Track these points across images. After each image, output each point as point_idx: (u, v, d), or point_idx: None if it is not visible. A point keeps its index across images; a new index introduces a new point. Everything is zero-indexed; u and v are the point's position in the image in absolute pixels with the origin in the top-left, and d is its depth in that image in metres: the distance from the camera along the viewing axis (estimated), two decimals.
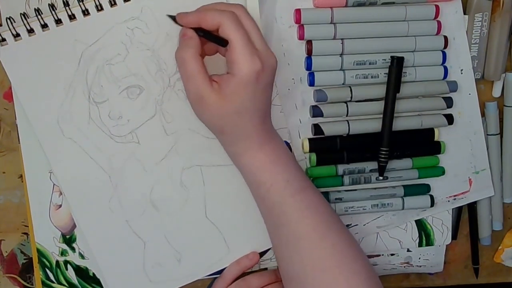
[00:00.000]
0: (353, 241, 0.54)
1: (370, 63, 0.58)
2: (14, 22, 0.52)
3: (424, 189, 0.63)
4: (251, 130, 0.51)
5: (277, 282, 0.61)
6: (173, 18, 0.50)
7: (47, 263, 0.58)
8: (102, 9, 0.53)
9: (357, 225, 0.63)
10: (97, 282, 0.59)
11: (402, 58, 0.58)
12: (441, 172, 0.63)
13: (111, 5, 0.53)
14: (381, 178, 0.60)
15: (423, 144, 0.62)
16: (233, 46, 0.48)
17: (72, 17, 0.53)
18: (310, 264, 0.51)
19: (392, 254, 0.66)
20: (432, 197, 0.62)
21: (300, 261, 0.52)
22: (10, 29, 0.52)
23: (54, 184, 0.57)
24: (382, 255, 0.66)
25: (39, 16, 0.52)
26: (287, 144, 0.56)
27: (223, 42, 0.49)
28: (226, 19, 0.48)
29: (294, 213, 0.52)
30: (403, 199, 0.62)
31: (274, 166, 0.52)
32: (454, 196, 0.64)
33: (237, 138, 0.51)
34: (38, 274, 0.59)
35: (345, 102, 0.59)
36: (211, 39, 0.50)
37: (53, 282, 0.59)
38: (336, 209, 0.60)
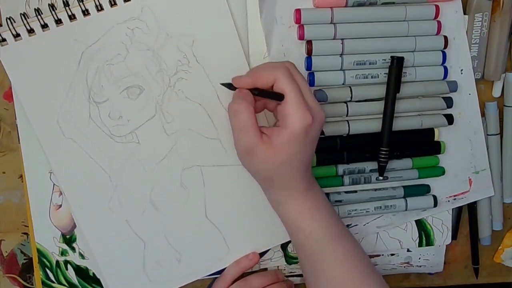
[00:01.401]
0: (383, 284, 0.55)
1: (370, 63, 0.58)
2: (14, 22, 0.52)
3: (424, 190, 0.63)
4: (296, 179, 0.52)
5: (277, 282, 0.61)
6: (227, 85, 0.51)
7: (47, 263, 0.58)
8: (102, 9, 0.53)
9: (357, 225, 0.63)
10: (97, 282, 0.59)
11: (402, 58, 0.58)
12: (441, 172, 0.63)
13: (111, 5, 0.54)
14: (381, 178, 0.60)
15: (423, 144, 0.62)
16: (288, 100, 0.49)
17: (72, 17, 0.53)
18: None
19: (392, 254, 0.66)
20: (435, 198, 0.62)
21: None
22: (10, 29, 0.52)
23: (54, 184, 0.57)
24: (382, 255, 0.66)
25: (39, 16, 0.52)
26: None
27: (279, 97, 0.50)
28: (281, 74, 0.49)
29: (332, 260, 0.53)
30: (406, 200, 0.62)
31: (314, 213, 0.53)
32: (454, 196, 0.64)
33: (280, 186, 0.53)
34: (38, 274, 0.59)
35: (345, 102, 0.59)
36: (266, 95, 0.51)
37: (53, 282, 0.59)
38: (340, 212, 0.60)
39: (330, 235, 0.53)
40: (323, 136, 0.59)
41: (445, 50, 0.60)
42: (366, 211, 0.61)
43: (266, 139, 0.50)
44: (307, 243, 0.54)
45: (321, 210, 0.54)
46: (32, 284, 0.60)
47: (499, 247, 0.69)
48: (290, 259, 0.63)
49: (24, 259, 0.60)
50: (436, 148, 0.62)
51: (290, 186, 0.53)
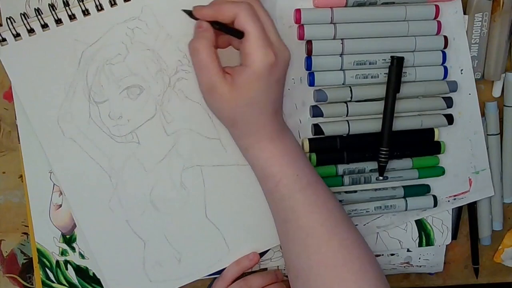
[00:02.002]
0: (361, 239, 0.53)
1: (370, 63, 0.58)
2: (14, 22, 0.52)
3: (424, 190, 0.63)
4: (262, 122, 0.51)
5: (277, 282, 0.61)
6: (188, 12, 0.50)
7: (47, 263, 0.58)
8: (102, 9, 0.53)
9: (357, 225, 0.63)
10: (97, 282, 0.59)
11: (402, 58, 0.58)
12: (441, 172, 0.63)
13: (111, 5, 0.53)
14: (381, 178, 0.60)
15: (423, 144, 0.62)
16: (249, 38, 0.48)
17: (72, 17, 0.53)
18: (317, 260, 0.51)
19: (392, 254, 0.66)
20: (435, 198, 0.62)
21: (307, 257, 0.52)
22: (10, 29, 0.52)
23: (54, 184, 0.57)
24: (382, 255, 0.66)
25: (39, 16, 0.52)
26: None
27: (239, 34, 0.49)
28: (243, 10, 0.48)
29: (303, 208, 0.51)
30: (406, 200, 0.62)
31: (284, 159, 0.52)
32: (454, 196, 0.64)
33: (248, 130, 0.51)
34: (38, 274, 0.59)
35: (345, 102, 0.59)
36: (226, 31, 0.50)
37: (53, 282, 0.59)
38: None
39: (300, 182, 0.52)
40: (323, 136, 0.59)
41: (445, 50, 0.60)
42: (366, 211, 0.61)
43: (229, 78, 0.49)
44: (276, 190, 0.52)
45: (292, 156, 0.52)
46: (32, 284, 0.60)
47: (499, 247, 0.69)
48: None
49: (24, 259, 0.60)
50: (436, 148, 0.62)
51: (257, 130, 0.51)
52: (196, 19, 0.50)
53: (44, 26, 0.53)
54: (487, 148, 0.65)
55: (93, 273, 0.59)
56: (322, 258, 0.51)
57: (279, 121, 0.53)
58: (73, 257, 0.59)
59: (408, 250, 0.66)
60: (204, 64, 0.49)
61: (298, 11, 0.56)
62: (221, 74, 0.49)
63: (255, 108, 0.50)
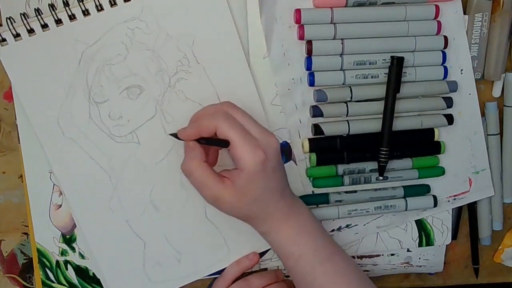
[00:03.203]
0: None
1: (370, 63, 0.58)
2: (14, 22, 0.52)
3: (424, 190, 0.63)
4: (271, 210, 0.52)
5: (278, 282, 0.61)
6: (174, 135, 0.52)
7: (47, 263, 0.58)
8: (102, 9, 0.53)
9: (357, 225, 0.63)
10: (97, 282, 0.59)
11: (402, 58, 0.58)
12: (441, 172, 0.63)
13: (111, 5, 0.53)
14: (381, 178, 0.60)
15: (423, 144, 0.62)
16: (234, 145, 0.49)
17: (72, 17, 0.53)
18: None
19: (392, 254, 0.66)
20: (435, 198, 0.62)
21: None
22: (10, 29, 0.52)
23: (54, 184, 0.57)
24: (382, 255, 0.66)
25: (39, 16, 0.52)
26: (287, 144, 0.56)
27: (224, 143, 0.50)
28: (220, 121, 0.50)
29: (324, 282, 0.53)
30: (406, 200, 0.62)
31: (300, 237, 0.53)
32: (454, 196, 0.64)
33: (261, 220, 0.53)
34: (38, 274, 0.59)
35: (345, 102, 0.59)
36: (213, 143, 0.52)
37: (53, 282, 0.59)
38: (340, 212, 0.60)
39: (319, 256, 0.53)
40: (323, 136, 0.59)
41: (445, 50, 0.60)
42: (366, 211, 0.61)
43: (229, 183, 0.50)
44: (297, 266, 0.53)
45: (307, 232, 0.54)
46: (32, 284, 0.60)
47: (499, 247, 0.69)
48: None
49: (24, 259, 0.60)
50: (436, 148, 0.62)
51: (269, 218, 0.53)
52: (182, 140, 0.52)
53: (44, 26, 0.53)
54: (487, 148, 0.65)
55: (93, 273, 0.59)
56: None
57: (288, 201, 0.54)
58: (73, 257, 0.59)
59: (408, 250, 0.66)
60: (201, 182, 0.51)
61: (298, 11, 0.56)
62: (220, 184, 0.50)
63: (261, 202, 0.51)
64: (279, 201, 0.52)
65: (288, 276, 0.64)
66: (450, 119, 0.61)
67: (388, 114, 0.58)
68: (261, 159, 0.49)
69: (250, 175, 0.50)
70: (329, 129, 0.59)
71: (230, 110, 0.51)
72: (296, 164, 0.60)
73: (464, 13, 0.61)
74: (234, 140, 0.49)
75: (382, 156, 0.59)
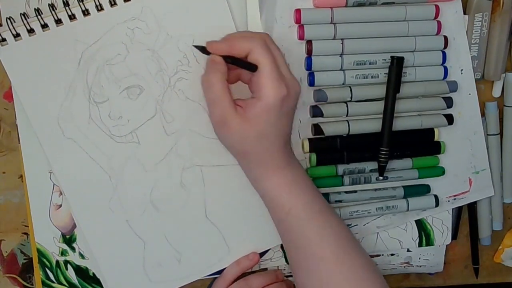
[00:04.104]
0: (371, 262, 0.54)
1: (370, 63, 0.58)
2: (14, 22, 0.52)
3: (424, 190, 0.63)
4: (271, 153, 0.51)
5: (277, 282, 0.61)
6: (200, 48, 0.51)
7: (47, 263, 0.58)
8: (102, 9, 0.53)
9: (357, 225, 0.63)
10: (97, 282, 0.59)
11: (402, 58, 0.58)
12: (441, 172, 0.63)
13: (111, 5, 0.54)
14: (381, 178, 0.60)
15: (423, 144, 0.62)
16: (262, 71, 0.49)
17: (72, 17, 0.53)
18: (329, 287, 0.52)
19: (392, 254, 0.66)
20: (436, 197, 0.62)
21: (318, 284, 0.52)
22: (10, 29, 0.52)
23: (54, 184, 0.57)
24: (382, 255, 0.66)
25: (39, 16, 0.52)
26: None
27: (252, 67, 0.49)
28: (256, 44, 0.49)
29: (313, 235, 0.52)
30: (407, 200, 0.62)
31: (293, 189, 0.53)
32: (454, 196, 0.64)
33: (257, 161, 0.52)
34: (38, 274, 0.59)
35: (345, 102, 0.59)
36: (240, 65, 0.51)
37: (53, 282, 0.59)
38: (341, 214, 0.60)
39: (310, 211, 0.52)
40: (323, 136, 0.59)
41: (445, 50, 0.60)
42: (368, 212, 0.61)
43: (241, 111, 0.49)
44: (287, 219, 0.53)
45: (301, 185, 0.53)
46: (32, 284, 0.60)
47: (499, 247, 0.69)
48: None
49: (24, 259, 0.60)
50: (436, 148, 0.62)
51: (267, 161, 0.52)
52: (208, 53, 0.51)
53: (44, 26, 0.53)
54: (487, 148, 0.65)
55: (93, 273, 0.59)
56: (333, 285, 0.52)
57: (288, 151, 0.54)
58: (73, 257, 0.59)
59: (408, 250, 0.66)
60: (218, 97, 0.49)
61: (298, 11, 0.56)
62: (233, 107, 0.49)
63: (265, 140, 0.50)
64: (281, 148, 0.52)
65: (288, 276, 0.64)
66: (450, 119, 0.61)
67: (388, 114, 0.58)
68: (282, 95, 0.49)
69: (267, 107, 0.49)
70: (329, 129, 0.59)
71: (268, 40, 0.50)
72: None
73: (464, 13, 0.61)
74: (264, 67, 0.48)
75: (382, 156, 0.59)
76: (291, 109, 0.51)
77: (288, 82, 0.50)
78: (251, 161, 0.52)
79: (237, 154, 0.53)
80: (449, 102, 0.61)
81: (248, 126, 0.49)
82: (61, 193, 0.57)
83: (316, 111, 0.58)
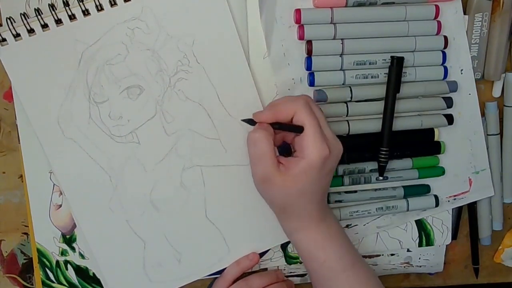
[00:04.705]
0: None
1: (370, 63, 0.58)
2: (14, 22, 0.52)
3: (424, 190, 0.63)
4: (310, 209, 0.53)
5: (278, 282, 0.61)
6: (247, 121, 0.52)
7: (47, 263, 0.58)
8: (102, 9, 0.53)
9: (357, 225, 0.63)
10: (97, 282, 0.59)
11: (402, 58, 0.58)
12: (441, 172, 0.63)
13: (111, 5, 0.53)
14: (381, 178, 0.60)
15: (423, 144, 0.62)
16: (307, 132, 0.50)
17: (72, 17, 0.53)
18: None
19: (392, 254, 0.66)
20: (436, 197, 0.62)
21: None
22: (10, 29, 0.52)
23: (54, 184, 0.57)
24: (382, 255, 0.66)
25: (39, 16, 0.52)
26: (288, 144, 0.56)
27: (298, 129, 0.51)
28: (301, 106, 0.51)
29: (346, 287, 0.54)
30: (408, 200, 0.62)
31: (328, 243, 0.54)
32: (454, 196, 0.64)
33: (296, 215, 0.53)
34: (38, 274, 0.59)
35: (345, 102, 0.59)
36: (286, 128, 0.52)
37: (53, 282, 0.59)
38: (341, 214, 0.61)
39: (343, 264, 0.54)
40: None
41: (445, 50, 0.60)
42: (368, 213, 0.61)
43: (283, 169, 0.51)
44: (320, 271, 0.54)
45: (335, 239, 0.55)
46: (32, 284, 0.60)
47: (499, 247, 0.69)
48: (290, 259, 0.63)
49: (24, 259, 0.60)
50: (436, 148, 0.62)
51: (304, 215, 0.53)
52: (255, 123, 0.52)
53: (44, 26, 0.53)
54: (487, 148, 0.65)
55: (93, 273, 0.59)
56: None
57: (324, 206, 0.55)
58: (73, 257, 0.59)
59: (408, 250, 0.66)
60: (264, 155, 0.51)
61: (298, 11, 0.56)
62: (277, 164, 0.51)
63: (306, 197, 0.52)
64: (319, 202, 0.53)
65: (288, 276, 0.64)
66: (450, 119, 0.61)
67: (388, 114, 0.58)
68: (325, 155, 0.50)
69: (309, 166, 0.50)
70: None
71: (310, 102, 0.52)
72: None
73: (464, 13, 0.61)
74: (309, 127, 0.50)
75: (382, 156, 0.59)
76: (331, 169, 0.53)
77: (331, 142, 0.51)
78: (289, 214, 0.54)
79: (277, 208, 0.54)
80: (449, 102, 0.61)
81: (291, 183, 0.51)
82: (61, 193, 0.57)
83: None
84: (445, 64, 0.61)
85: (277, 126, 0.52)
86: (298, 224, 0.54)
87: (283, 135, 0.55)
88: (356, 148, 0.60)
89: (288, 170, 0.51)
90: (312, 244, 0.54)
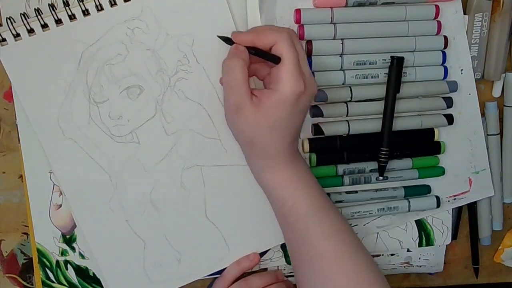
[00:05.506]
0: (372, 262, 0.54)
1: (370, 63, 0.58)
2: (14, 22, 0.52)
3: (425, 190, 0.63)
4: (279, 147, 0.52)
5: (278, 282, 0.61)
6: (224, 38, 0.51)
7: (47, 263, 0.58)
8: (102, 9, 0.53)
9: (357, 225, 0.63)
10: (97, 282, 0.59)
11: (402, 58, 0.58)
12: (441, 172, 0.63)
13: (111, 5, 0.53)
14: (381, 178, 0.60)
15: (423, 144, 0.62)
16: (284, 64, 0.49)
17: (72, 17, 0.53)
18: (330, 284, 0.52)
19: (392, 254, 0.66)
20: (437, 198, 0.62)
21: (320, 280, 0.52)
22: (10, 29, 0.52)
23: (54, 184, 0.57)
24: (382, 255, 0.66)
25: (39, 16, 0.52)
26: None
27: (275, 59, 0.50)
28: (282, 37, 0.50)
29: (316, 232, 0.52)
30: (409, 201, 0.62)
31: (298, 184, 0.53)
32: (454, 196, 0.64)
33: (264, 152, 0.52)
34: (38, 274, 0.59)
35: (345, 102, 0.59)
36: (263, 56, 0.51)
37: (53, 282, 0.59)
38: (343, 214, 0.60)
39: (314, 207, 0.53)
40: (323, 136, 0.59)
41: (445, 50, 0.60)
42: (369, 213, 0.61)
43: (256, 100, 0.50)
44: (290, 214, 0.53)
45: (305, 181, 0.53)
46: (32, 284, 0.60)
47: (499, 247, 0.69)
48: (290, 259, 0.63)
49: (24, 259, 0.60)
50: (436, 148, 0.62)
51: (273, 154, 0.52)
52: (232, 43, 0.51)
53: (44, 26, 0.53)
54: (487, 148, 0.65)
55: (93, 273, 0.59)
56: (336, 282, 0.51)
57: (295, 148, 0.54)
58: (73, 257, 0.59)
59: (408, 250, 0.66)
60: (237, 83, 0.50)
61: (298, 11, 0.56)
62: (250, 95, 0.50)
63: (276, 133, 0.51)
64: (289, 143, 0.52)
65: (288, 276, 0.64)
66: (450, 119, 0.61)
67: (388, 114, 0.58)
68: (300, 90, 0.49)
69: (282, 99, 0.49)
70: (329, 129, 0.59)
71: (293, 36, 0.51)
72: None
73: (464, 13, 0.61)
74: (287, 60, 0.49)
75: (382, 156, 0.59)
76: (304, 107, 0.51)
77: (307, 80, 0.50)
78: (257, 151, 0.52)
79: (244, 143, 0.53)
80: (449, 102, 0.61)
81: (261, 115, 0.49)
82: (61, 193, 0.57)
83: (316, 111, 0.58)
84: (445, 64, 0.61)
85: (254, 51, 0.51)
86: (266, 162, 0.52)
87: (256, 68, 0.53)
88: (356, 148, 0.60)
89: (260, 102, 0.49)
90: (281, 184, 0.53)
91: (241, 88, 0.49)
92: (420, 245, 0.65)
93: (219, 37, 0.52)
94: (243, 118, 0.50)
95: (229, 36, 0.52)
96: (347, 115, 0.59)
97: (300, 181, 0.53)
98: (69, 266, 0.59)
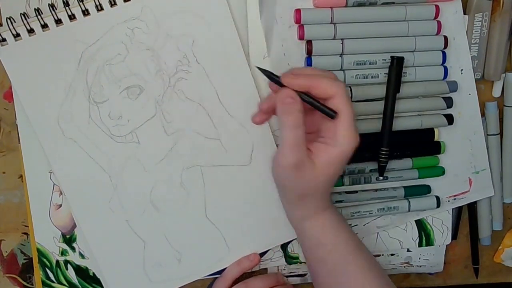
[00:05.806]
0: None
1: (370, 63, 0.58)
2: (14, 22, 0.52)
3: (425, 190, 0.63)
4: (324, 196, 0.52)
5: (278, 285, 0.61)
6: (271, 77, 0.48)
7: (47, 263, 0.58)
8: (102, 9, 0.53)
9: (357, 225, 0.63)
10: (97, 282, 0.59)
11: (402, 58, 0.58)
12: (441, 172, 0.63)
13: (111, 5, 0.54)
14: (381, 178, 0.60)
15: (423, 144, 0.62)
16: (343, 119, 0.47)
17: (72, 17, 0.53)
18: None
19: (392, 254, 0.66)
20: (438, 198, 0.62)
21: None
22: (10, 29, 0.52)
23: (54, 184, 0.57)
24: (382, 255, 0.66)
25: (39, 16, 0.52)
26: None
27: (331, 113, 0.47)
28: (342, 91, 0.47)
29: (355, 271, 0.53)
30: (409, 201, 0.62)
31: (336, 228, 0.54)
32: (454, 196, 0.64)
33: (315, 203, 0.52)
34: (38, 274, 0.59)
35: None
36: (317, 107, 0.48)
37: (53, 282, 0.59)
38: (342, 214, 0.61)
39: (351, 248, 0.54)
40: None
41: (445, 50, 0.60)
42: (370, 213, 0.61)
43: (311, 156, 0.48)
44: (329, 256, 0.53)
45: (341, 224, 0.54)
46: (32, 284, 0.60)
47: (499, 247, 0.69)
48: (290, 259, 0.63)
49: (24, 259, 0.60)
50: (436, 148, 0.62)
51: (320, 203, 0.53)
52: (280, 85, 0.48)
53: (44, 26, 0.53)
54: (487, 148, 0.65)
55: (93, 273, 0.59)
56: None
57: (330, 193, 0.55)
58: (73, 257, 0.59)
59: (408, 250, 0.66)
60: (300, 141, 0.47)
61: (298, 11, 0.56)
62: (307, 152, 0.48)
63: (325, 186, 0.51)
64: (330, 191, 0.53)
65: (288, 277, 0.64)
66: (450, 119, 0.61)
67: (388, 114, 0.58)
68: (357, 145, 0.48)
69: (342, 155, 0.48)
70: None
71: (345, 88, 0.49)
72: None
73: (464, 13, 0.61)
74: (347, 115, 0.47)
75: (382, 156, 0.59)
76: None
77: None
78: (308, 203, 0.52)
79: (295, 196, 0.52)
80: (449, 102, 0.61)
81: (320, 172, 0.48)
82: (61, 193, 0.57)
83: None
84: (445, 64, 0.61)
85: (307, 98, 0.46)
86: (310, 212, 0.52)
87: (312, 117, 0.50)
88: (356, 148, 0.60)
89: (317, 158, 0.48)
90: (321, 230, 0.53)
91: (302, 146, 0.47)
92: (420, 245, 0.65)
93: (262, 70, 0.47)
94: (300, 175, 0.48)
95: (276, 75, 0.48)
96: None
97: (338, 225, 0.54)
98: (69, 266, 0.59)
